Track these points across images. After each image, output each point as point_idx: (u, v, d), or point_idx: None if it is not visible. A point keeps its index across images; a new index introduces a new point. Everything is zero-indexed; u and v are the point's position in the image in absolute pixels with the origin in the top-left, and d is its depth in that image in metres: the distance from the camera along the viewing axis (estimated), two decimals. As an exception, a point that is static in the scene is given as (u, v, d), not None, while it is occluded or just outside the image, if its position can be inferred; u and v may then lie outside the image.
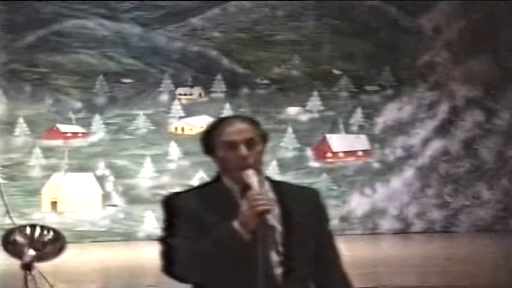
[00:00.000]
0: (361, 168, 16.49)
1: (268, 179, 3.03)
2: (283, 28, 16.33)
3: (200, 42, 16.35)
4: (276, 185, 3.03)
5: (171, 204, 2.98)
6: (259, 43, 16.37)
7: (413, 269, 11.11)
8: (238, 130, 3.01)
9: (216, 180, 3.04)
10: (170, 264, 2.91)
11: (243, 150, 2.92)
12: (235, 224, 2.83)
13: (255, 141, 2.99)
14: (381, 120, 16.55)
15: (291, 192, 3.04)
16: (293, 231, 2.95)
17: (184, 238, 2.86)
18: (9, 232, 6.07)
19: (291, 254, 2.94)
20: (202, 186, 3.10)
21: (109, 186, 15.94)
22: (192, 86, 16.44)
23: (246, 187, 2.92)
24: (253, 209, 2.81)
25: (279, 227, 2.92)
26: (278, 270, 2.93)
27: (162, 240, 2.96)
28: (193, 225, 2.90)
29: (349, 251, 13.25)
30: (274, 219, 2.88)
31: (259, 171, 2.95)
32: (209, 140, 3.01)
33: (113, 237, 15.58)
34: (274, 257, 2.93)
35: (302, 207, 3.01)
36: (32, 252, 5.75)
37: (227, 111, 16.01)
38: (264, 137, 3.04)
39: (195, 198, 2.98)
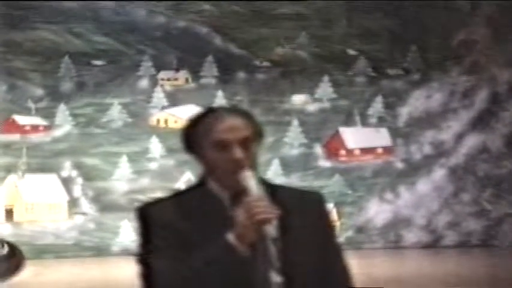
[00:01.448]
0: (381, 169, 16.49)
1: (262, 181, 3.01)
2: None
3: (187, 16, 16.34)
4: (272, 190, 3.02)
5: (147, 216, 2.96)
6: (258, 18, 16.37)
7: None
8: (230, 127, 2.98)
9: (200, 184, 3.04)
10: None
11: (237, 152, 2.90)
12: (231, 238, 2.83)
13: (251, 140, 2.96)
14: (405, 111, 16.55)
15: (290, 198, 3.02)
16: (293, 245, 2.94)
17: (168, 258, 2.85)
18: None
19: (293, 273, 2.93)
20: (184, 193, 3.06)
21: (77, 190, 15.94)
22: (177, 70, 16.43)
23: (237, 194, 2.92)
24: (252, 219, 2.78)
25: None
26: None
27: (141, 260, 2.94)
28: (175, 241, 2.88)
29: (367, 268, 13.26)
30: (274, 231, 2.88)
31: (256, 174, 2.94)
32: (193, 138, 2.99)
33: (81, 252, 15.58)
34: (274, 277, 2.94)
35: (303, 216, 3.00)
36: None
37: (220, 100, 16.01)
38: (260, 134, 3.03)
39: (175, 208, 2.94)
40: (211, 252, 2.85)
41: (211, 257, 2.84)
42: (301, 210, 3.04)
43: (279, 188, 3.11)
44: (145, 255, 2.96)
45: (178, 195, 3.10)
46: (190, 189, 3.11)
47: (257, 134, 3.04)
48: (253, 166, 2.98)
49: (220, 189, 3.00)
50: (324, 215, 3.17)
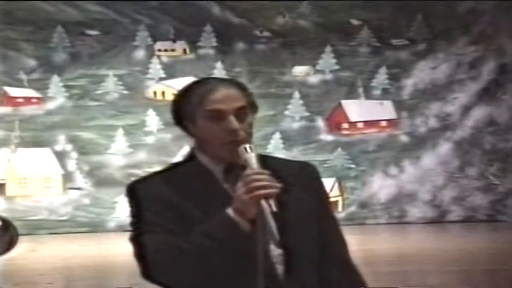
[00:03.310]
0: (385, 143, 16.50)
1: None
2: (289, -33, 16.30)
3: (184, -16, 16.29)
4: (264, 161, 3.02)
5: (137, 193, 2.96)
6: (258, -14, 16.32)
7: (450, 266, 11.16)
8: (225, 96, 2.98)
9: (190, 158, 3.05)
10: (150, 268, 2.91)
11: (233, 122, 2.91)
12: (231, 213, 2.86)
13: (246, 111, 2.96)
14: (410, 83, 16.54)
15: (282, 170, 3.03)
16: (291, 218, 2.96)
17: (164, 234, 2.85)
18: None
19: (292, 246, 2.94)
20: (174, 167, 3.06)
21: (71, 164, 15.96)
22: (174, 40, 16.39)
23: (230, 167, 2.92)
24: (252, 193, 2.79)
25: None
26: (280, 268, 2.94)
27: (134, 238, 2.96)
28: (170, 216, 2.89)
29: (371, 244, 13.29)
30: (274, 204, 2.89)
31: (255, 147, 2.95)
32: (185, 108, 2.99)
33: (76, 228, 15.62)
34: (274, 251, 2.96)
35: (297, 188, 3.02)
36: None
37: (218, 71, 15.99)
38: (255, 106, 3.04)
39: (167, 183, 2.95)
40: (211, 227, 2.86)
41: (212, 231, 2.85)
42: (295, 181, 3.05)
43: (270, 158, 3.11)
44: (139, 233, 2.97)
45: (168, 170, 3.11)
46: (180, 164, 3.12)
47: (252, 105, 3.04)
48: (249, 138, 2.99)
49: (212, 163, 3.01)
50: (320, 187, 3.18)
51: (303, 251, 2.99)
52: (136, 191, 3.01)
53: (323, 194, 3.20)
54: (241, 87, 3.04)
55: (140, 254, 2.95)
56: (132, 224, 3.00)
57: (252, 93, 3.07)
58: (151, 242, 2.91)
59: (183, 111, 3.03)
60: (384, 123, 16.58)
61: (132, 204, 3.01)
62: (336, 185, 15.98)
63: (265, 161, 3.00)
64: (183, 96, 3.05)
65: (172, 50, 16.39)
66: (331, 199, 14.99)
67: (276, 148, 15.83)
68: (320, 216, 3.09)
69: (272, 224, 2.93)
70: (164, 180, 3.00)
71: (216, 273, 2.88)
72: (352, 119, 16.55)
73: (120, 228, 14.68)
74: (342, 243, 3.17)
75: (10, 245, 6.14)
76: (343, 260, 3.14)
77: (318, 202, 3.11)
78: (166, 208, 2.92)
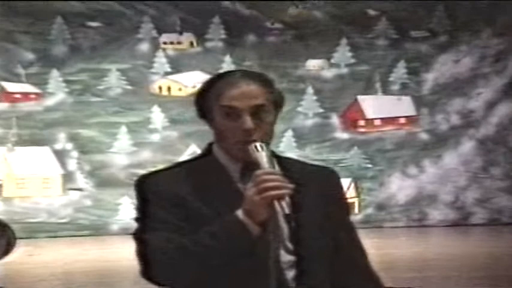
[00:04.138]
0: (404, 141, 16.49)
1: (273, 154, 3.02)
2: (302, -46, 16.32)
3: (191, -27, 16.32)
4: (282, 163, 3.02)
5: (146, 187, 2.97)
6: (269, -26, 16.34)
7: (473, 272, 11.15)
8: (242, 93, 2.97)
9: (207, 154, 3.07)
10: (152, 267, 2.91)
11: (247, 121, 2.89)
12: (240, 215, 2.83)
13: (265, 109, 2.95)
14: (431, 77, 16.53)
15: (300, 173, 3.03)
16: (305, 222, 2.96)
17: (170, 232, 2.86)
18: None
19: (304, 253, 2.95)
20: (188, 162, 3.08)
21: (72, 164, 16.00)
22: (180, 33, 16.41)
23: (247, 166, 2.91)
24: (263, 194, 2.79)
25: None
26: (290, 274, 2.94)
27: (137, 235, 2.96)
28: (178, 214, 2.89)
29: (389, 248, 13.26)
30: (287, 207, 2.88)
31: (267, 146, 2.94)
32: (205, 102, 3.00)
33: (77, 231, 15.66)
34: (285, 257, 2.96)
35: (315, 193, 3.03)
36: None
37: (227, 65, 16.00)
38: (278, 103, 3.02)
39: (178, 178, 2.96)
40: (218, 228, 2.86)
41: (219, 233, 2.85)
42: (314, 186, 3.05)
43: (289, 160, 3.11)
44: (144, 230, 2.97)
45: (181, 164, 3.11)
46: (196, 159, 3.12)
47: (274, 103, 3.03)
48: (267, 138, 2.98)
49: (228, 160, 3.01)
50: (338, 192, 3.18)
51: (315, 257, 2.99)
52: (144, 185, 3.02)
53: (342, 200, 3.19)
54: (265, 83, 3.03)
55: (142, 251, 2.96)
56: (137, 219, 3.01)
57: (276, 90, 3.06)
58: (155, 239, 2.91)
59: (203, 104, 3.04)
60: (402, 120, 16.57)
61: (139, 199, 3.01)
62: (352, 185, 15.98)
63: (282, 162, 3.00)
64: (204, 88, 3.06)
65: (179, 43, 16.41)
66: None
67: (288, 147, 15.84)
68: (337, 223, 3.09)
69: (284, 227, 2.93)
70: (175, 176, 3.01)
71: (219, 277, 2.88)
72: (369, 115, 16.54)
73: (123, 232, 14.71)
74: (361, 251, 3.17)
75: (7, 249, 6.16)
76: (361, 268, 3.14)
77: (335, 208, 3.10)
78: (174, 205, 2.93)
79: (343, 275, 3.08)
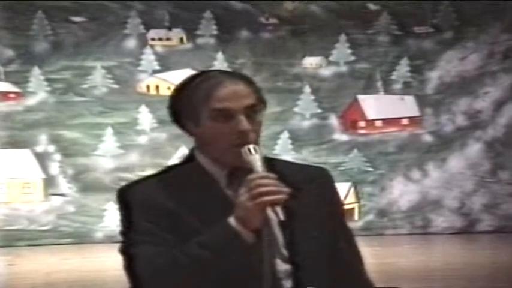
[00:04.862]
0: (406, 143, 16.50)
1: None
2: None
3: (181, -35, 16.32)
4: (272, 165, 3.03)
5: (129, 197, 2.96)
6: (264, -34, 16.35)
7: (481, 282, 11.16)
8: (234, 93, 2.99)
9: (190, 160, 3.05)
10: (142, 282, 2.91)
11: (243, 122, 2.91)
12: (232, 222, 2.86)
13: (256, 109, 2.97)
14: (436, 75, 16.54)
15: (291, 174, 3.03)
16: (300, 228, 2.98)
17: (157, 245, 2.86)
18: None
19: (301, 261, 2.96)
20: (171, 170, 3.09)
21: (54, 167, 15.98)
22: (170, 28, 16.41)
23: (233, 171, 2.94)
24: (256, 199, 2.79)
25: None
26: (287, 284, 2.95)
27: (124, 249, 2.96)
28: (164, 225, 2.89)
29: (391, 257, 13.26)
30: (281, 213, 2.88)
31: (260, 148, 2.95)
32: (187, 105, 2.98)
33: (59, 239, 15.64)
34: (281, 266, 2.97)
35: (308, 195, 3.03)
36: None
37: (219, 62, 16.00)
38: (264, 102, 3.04)
39: (162, 187, 2.96)
40: (210, 238, 2.86)
41: (210, 242, 2.85)
42: (307, 189, 3.05)
43: (278, 162, 3.12)
44: (130, 243, 2.97)
45: (163, 172, 3.12)
46: (178, 166, 3.12)
47: (263, 102, 3.05)
48: (258, 139, 2.99)
49: (214, 166, 3.01)
50: (333, 195, 3.19)
51: (312, 266, 3.00)
52: (127, 196, 3.01)
53: (337, 203, 3.20)
54: (249, 82, 3.04)
55: (130, 266, 2.95)
56: (122, 233, 3.01)
57: (259, 88, 3.07)
58: (143, 253, 2.91)
59: (183, 108, 3.03)
60: (405, 121, 16.58)
61: (122, 210, 3.01)
62: (352, 190, 15.98)
63: (272, 164, 3.00)
64: (183, 91, 3.05)
65: (168, 39, 16.40)
66: (346, 206, 15.00)
67: (283, 149, 15.84)
68: (333, 227, 3.09)
69: (279, 234, 2.93)
70: (159, 185, 3.01)
71: None
72: (370, 116, 16.55)
73: (108, 239, 14.70)
74: (358, 258, 3.18)
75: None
76: (357, 277, 3.15)
77: (330, 211, 3.11)
78: (160, 216, 2.93)
79: (339, 283, 3.09)
